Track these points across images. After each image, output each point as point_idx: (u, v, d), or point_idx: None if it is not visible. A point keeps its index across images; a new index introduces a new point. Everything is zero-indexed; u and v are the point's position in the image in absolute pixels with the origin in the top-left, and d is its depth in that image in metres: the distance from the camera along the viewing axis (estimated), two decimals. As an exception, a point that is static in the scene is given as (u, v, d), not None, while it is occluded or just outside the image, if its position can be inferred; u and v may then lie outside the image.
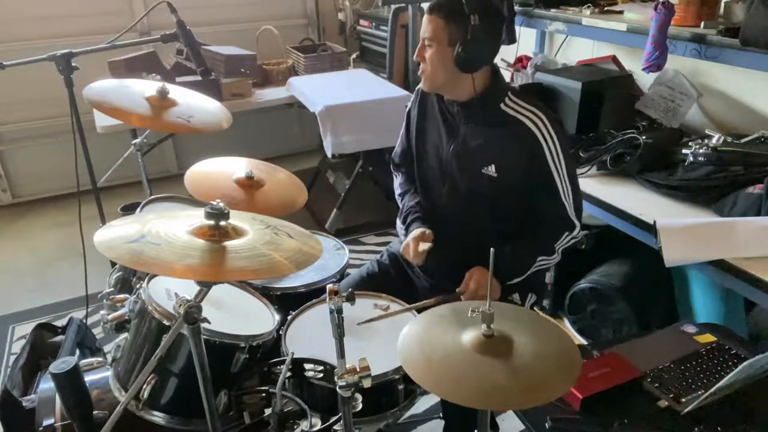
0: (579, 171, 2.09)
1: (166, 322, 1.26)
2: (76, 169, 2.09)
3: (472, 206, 1.61)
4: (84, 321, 2.14)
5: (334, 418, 1.25)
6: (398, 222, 1.77)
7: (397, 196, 1.83)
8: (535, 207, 1.59)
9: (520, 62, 2.96)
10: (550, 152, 1.50)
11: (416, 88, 1.72)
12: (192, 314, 1.06)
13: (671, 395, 1.26)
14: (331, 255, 1.89)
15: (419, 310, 1.52)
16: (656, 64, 1.95)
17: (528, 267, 1.58)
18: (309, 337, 1.44)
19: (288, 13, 4.26)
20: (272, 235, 1.18)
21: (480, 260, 1.49)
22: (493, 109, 1.53)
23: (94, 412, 1.36)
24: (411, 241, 1.58)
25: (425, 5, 1.52)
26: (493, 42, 1.50)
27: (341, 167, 3.60)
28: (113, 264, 1.83)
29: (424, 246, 1.54)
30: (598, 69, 2.47)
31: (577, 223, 1.58)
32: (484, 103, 1.53)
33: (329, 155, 3.11)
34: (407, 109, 1.77)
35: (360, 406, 1.20)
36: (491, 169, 1.55)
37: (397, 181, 1.84)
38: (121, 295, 1.60)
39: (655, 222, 1.70)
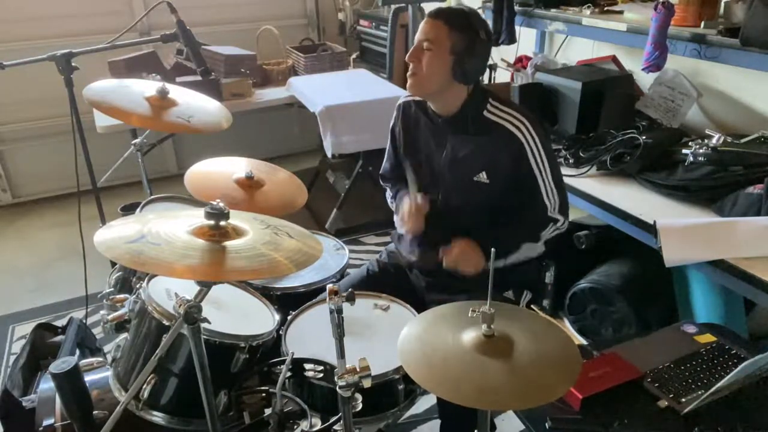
0: (579, 171, 2.10)
1: (166, 322, 1.26)
2: (76, 169, 2.09)
3: (467, 213, 1.62)
4: (84, 321, 2.14)
5: (334, 418, 1.25)
6: (396, 218, 1.77)
7: (390, 202, 1.84)
8: (519, 206, 1.61)
9: (520, 62, 2.96)
10: (532, 153, 1.53)
11: (397, 104, 1.73)
12: (192, 314, 1.06)
13: (671, 395, 1.26)
14: (331, 255, 1.89)
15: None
16: (656, 64, 1.95)
17: (510, 248, 1.60)
18: (309, 337, 1.44)
19: (288, 13, 4.25)
20: (272, 235, 1.19)
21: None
22: (477, 117, 1.55)
23: (94, 412, 1.36)
24: (405, 211, 1.60)
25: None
26: (487, 58, 1.55)
27: (341, 167, 3.60)
28: (113, 264, 1.83)
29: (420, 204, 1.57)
30: (598, 69, 2.47)
31: (561, 218, 1.60)
32: (468, 113, 1.55)
33: (329, 155, 3.11)
34: (391, 126, 1.77)
35: (360, 406, 1.21)
36: (483, 176, 1.57)
37: (388, 191, 1.86)
38: (121, 295, 1.60)
39: (655, 222, 1.70)
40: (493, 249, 1.10)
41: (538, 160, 1.53)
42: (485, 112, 1.55)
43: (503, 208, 1.61)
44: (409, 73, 1.54)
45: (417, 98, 1.67)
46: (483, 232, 1.56)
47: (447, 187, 1.62)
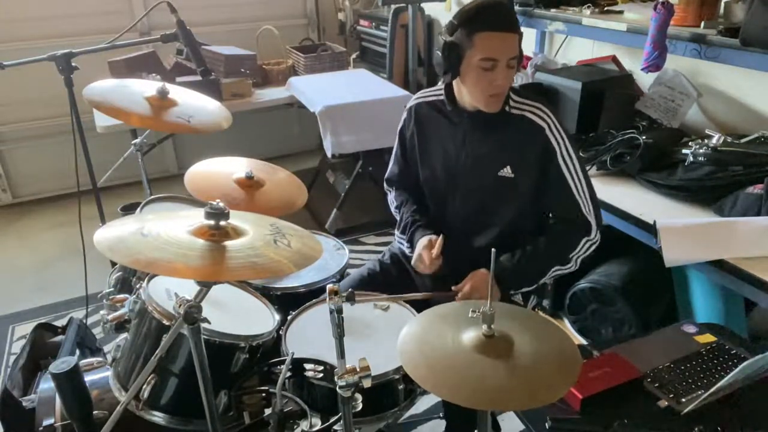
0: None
1: (166, 322, 1.26)
2: (76, 169, 2.09)
3: (486, 211, 1.60)
4: (84, 321, 2.14)
5: (334, 418, 1.25)
6: (397, 233, 1.76)
7: (393, 210, 1.82)
8: (549, 208, 1.59)
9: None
10: (559, 147, 1.50)
11: (407, 107, 1.70)
12: (192, 314, 1.06)
13: (671, 395, 1.26)
14: (331, 255, 1.89)
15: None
16: (655, 64, 1.95)
17: (539, 277, 1.57)
18: (309, 337, 1.44)
19: (288, 13, 4.26)
20: (273, 237, 1.18)
21: (489, 262, 1.50)
22: (500, 111, 1.52)
23: (94, 412, 1.36)
24: (423, 252, 1.56)
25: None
26: None
27: (341, 167, 3.60)
28: (113, 264, 1.83)
29: (436, 251, 1.53)
30: (598, 69, 2.47)
31: (594, 223, 1.54)
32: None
33: (329, 155, 3.11)
34: (399, 129, 1.74)
35: (360, 406, 1.20)
36: (507, 170, 1.55)
37: (391, 195, 1.84)
38: (121, 295, 1.60)
39: (655, 222, 1.70)
40: (493, 249, 1.10)
41: (565, 154, 1.50)
42: (506, 106, 1.53)
43: (524, 210, 1.59)
44: (497, 93, 1.47)
45: (429, 99, 1.65)
46: (504, 257, 1.52)
47: (468, 185, 1.60)
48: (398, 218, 1.77)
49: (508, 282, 1.53)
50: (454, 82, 1.54)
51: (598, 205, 1.57)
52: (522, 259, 1.54)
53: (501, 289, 1.52)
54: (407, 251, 1.69)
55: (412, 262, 1.62)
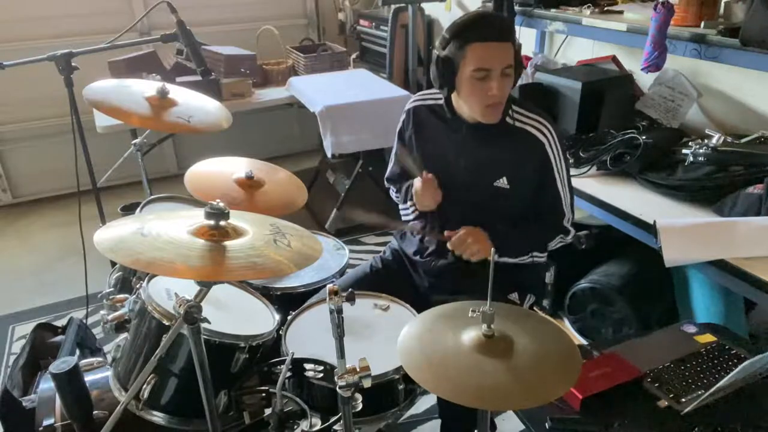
0: (579, 171, 2.10)
1: (166, 322, 1.26)
2: (76, 169, 2.09)
3: (481, 219, 1.60)
4: (84, 321, 2.14)
5: (334, 418, 1.25)
6: (402, 206, 1.81)
7: (394, 196, 1.85)
8: (538, 213, 1.61)
9: (520, 62, 2.96)
10: (555, 161, 1.54)
11: (406, 109, 1.71)
12: (192, 314, 1.06)
13: (671, 395, 1.26)
14: (331, 255, 1.89)
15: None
16: (655, 64, 1.95)
17: (520, 253, 1.64)
18: (309, 337, 1.44)
19: (288, 13, 4.26)
20: (273, 237, 1.19)
21: (486, 266, 1.50)
22: (500, 122, 1.53)
23: (94, 412, 1.37)
24: (419, 186, 1.58)
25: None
26: None
27: (341, 167, 3.60)
28: (113, 264, 1.84)
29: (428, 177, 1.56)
30: (598, 69, 2.47)
31: (571, 231, 1.64)
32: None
33: (329, 155, 3.11)
34: (398, 130, 1.75)
35: (360, 406, 1.20)
36: (503, 181, 1.56)
37: (393, 192, 1.86)
38: (121, 295, 1.60)
39: (655, 222, 1.70)
40: (492, 249, 1.10)
41: (560, 167, 1.55)
42: (507, 118, 1.53)
43: (522, 217, 1.61)
44: (496, 102, 1.46)
45: (429, 102, 1.65)
46: (497, 233, 1.55)
47: (464, 192, 1.60)
48: (401, 195, 1.80)
49: (498, 243, 1.51)
50: (453, 95, 1.54)
51: (574, 213, 1.66)
52: (516, 231, 1.59)
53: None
54: (412, 216, 1.74)
55: (415, 199, 1.63)
